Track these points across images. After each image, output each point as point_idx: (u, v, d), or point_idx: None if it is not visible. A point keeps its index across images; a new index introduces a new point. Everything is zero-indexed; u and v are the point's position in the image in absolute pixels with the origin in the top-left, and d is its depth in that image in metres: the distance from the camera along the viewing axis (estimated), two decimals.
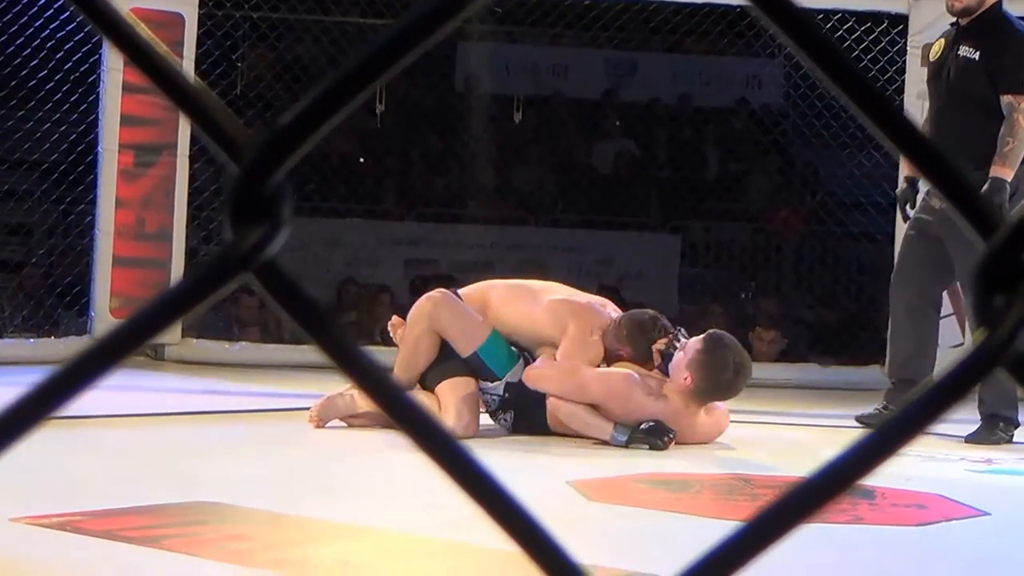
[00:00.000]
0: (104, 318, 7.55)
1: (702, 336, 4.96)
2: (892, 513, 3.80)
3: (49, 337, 7.74)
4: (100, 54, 7.50)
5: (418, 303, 5.18)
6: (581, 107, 12.76)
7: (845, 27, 8.29)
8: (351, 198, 11.56)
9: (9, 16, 7.81)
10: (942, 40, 5.67)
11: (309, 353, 0.61)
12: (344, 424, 5.01)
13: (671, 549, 3.11)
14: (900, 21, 7.98)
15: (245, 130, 0.57)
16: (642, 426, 4.84)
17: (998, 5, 5.57)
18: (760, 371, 5.78)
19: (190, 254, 7.96)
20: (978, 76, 5.46)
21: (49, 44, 7.80)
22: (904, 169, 5.85)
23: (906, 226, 5.88)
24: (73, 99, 8.00)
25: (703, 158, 12.62)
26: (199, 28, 8.03)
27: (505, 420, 5.12)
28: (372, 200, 11.96)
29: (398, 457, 3.73)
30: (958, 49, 5.52)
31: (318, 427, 4.95)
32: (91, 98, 7.83)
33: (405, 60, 0.56)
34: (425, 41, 0.56)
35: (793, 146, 11.90)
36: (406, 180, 12.28)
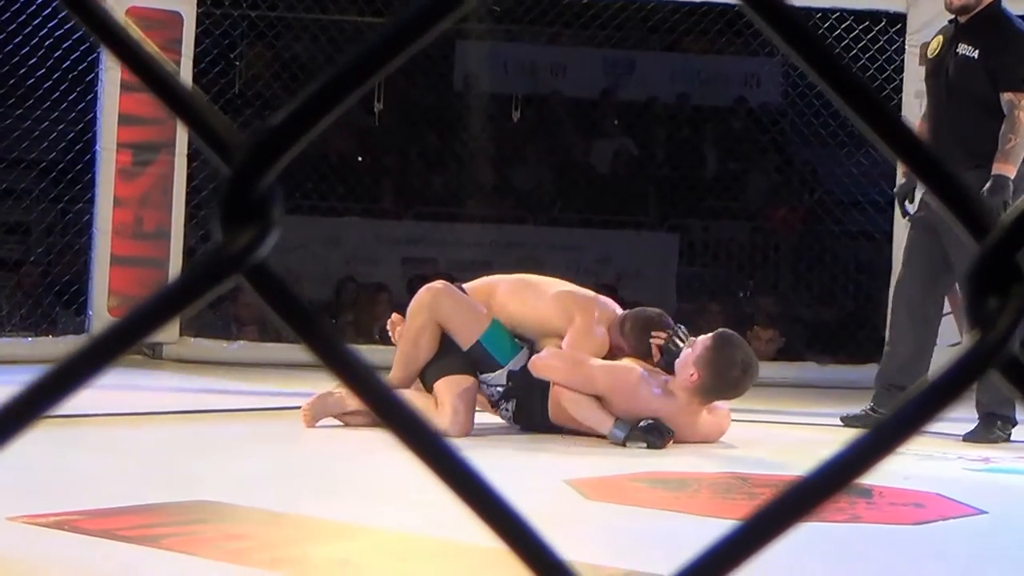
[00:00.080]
0: (102, 317, 7.55)
1: (712, 334, 4.98)
2: (890, 512, 3.80)
3: (47, 336, 7.74)
4: (98, 53, 7.49)
5: (418, 294, 5.19)
6: (579, 106, 12.76)
7: (843, 26, 8.30)
8: (349, 197, 11.56)
9: (7, 15, 7.81)
10: (940, 37, 5.66)
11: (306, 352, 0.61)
12: (340, 423, 5.01)
13: (669, 548, 3.11)
14: (898, 20, 7.98)
15: (236, 131, 0.57)
16: (641, 424, 4.85)
17: (997, 3, 5.56)
18: None
19: (188, 253, 7.96)
20: (977, 74, 5.46)
21: (47, 43, 7.80)
22: (902, 164, 5.83)
23: (908, 226, 5.88)
24: (71, 98, 8.00)
25: (701, 157, 12.62)
26: (197, 27, 8.03)
27: (507, 410, 5.13)
28: (370, 199, 11.96)
29: (397, 456, 3.73)
30: (957, 47, 5.51)
31: (309, 426, 4.95)
32: (89, 97, 7.83)
33: (396, 61, 0.56)
34: (416, 42, 0.56)
35: (791, 145, 11.90)
36: (404, 179, 12.28)
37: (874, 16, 8.30)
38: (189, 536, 3.06)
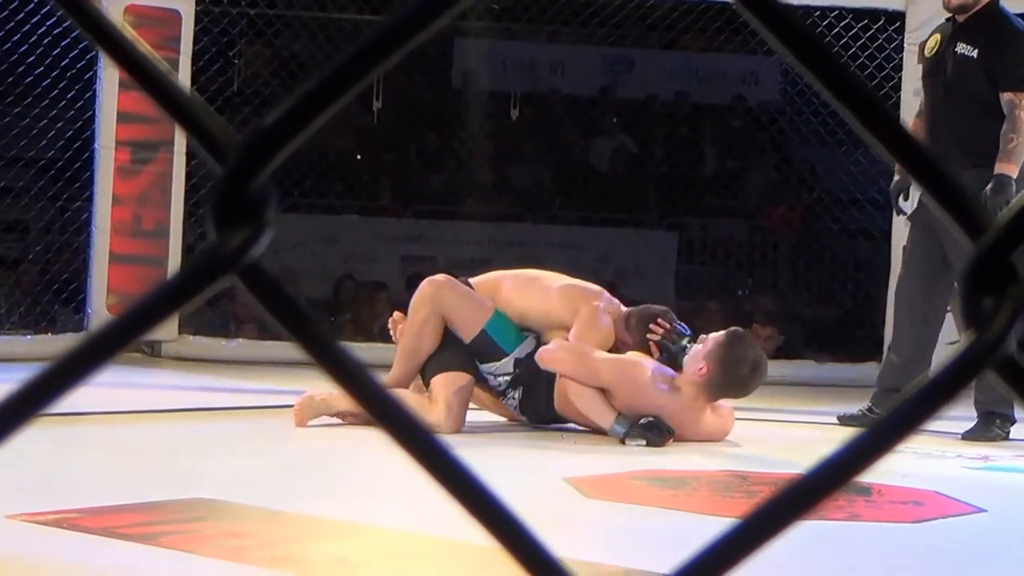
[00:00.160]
0: (101, 315, 7.55)
1: (724, 331, 5.00)
2: (889, 510, 3.80)
3: (46, 334, 7.74)
4: (97, 51, 7.48)
5: (420, 288, 5.20)
6: (578, 104, 12.75)
7: (842, 24, 8.31)
8: (348, 195, 11.56)
9: (6, 13, 7.81)
10: (937, 36, 5.65)
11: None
12: (338, 420, 5.01)
13: (668, 546, 3.11)
14: (897, 18, 7.99)
15: (230, 131, 0.57)
16: (641, 421, 4.85)
17: (995, 2, 5.56)
18: None
19: (187, 251, 7.96)
20: (976, 74, 5.45)
21: (46, 41, 7.80)
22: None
23: (907, 225, 5.88)
24: (70, 96, 8.00)
25: (700, 155, 12.62)
26: (196, 24, 8.03)
27: (513, 398, 5.14)
28: (369, 197, 11.96)
29: (395, 454, 3.73)
30: (955, 46, 5.50)
31: (300, 425, 4.94)
32: (88, 95, 7.83)
33: (390, 60, 0.56)
34: (410, 42, 0.56)
35: (790, 143, 11.91)
36: (403, 177, 12.27)
37: (873, 14, 8.31)
38: (188, 534, 3.06)
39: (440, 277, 5.22)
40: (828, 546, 3.22)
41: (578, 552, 2.76)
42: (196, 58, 8.11)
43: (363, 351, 7.09)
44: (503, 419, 5.36)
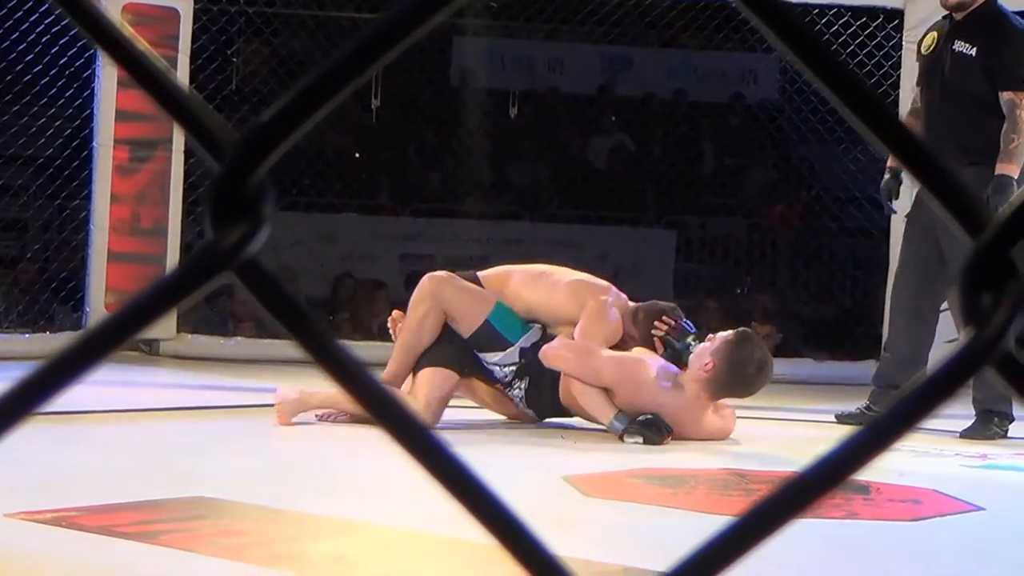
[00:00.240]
0: (99, 313, 7.55)
1: (733, 330, 5.02)
2: (887, 508, 3.80)
3: (44, 332, 7.74)
4: (95, 49, 7.48)
5: (421, 283, 5.20)
6: (576, 102, 12.75)
7: (840, 22, 8.31)
8: (346, 193, 11.56)
9: (5, 11, 7.80)
10: (934, 34, 5.64)
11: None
12: (329, 421, 5.02)
13: (666, 544, 3.11)
14: (895, 16, 7.99)
15: (227, 128, 0.57)
16: (639, 418, 4.86)
17: (993, 0, 5.55)
18: None
19: (185, 249, 7.96)
20: (974, 72, 5.44)
21: (44, 39, 7.79)
22: (891, 160, 5.82)
23: (904, 224, 5.87)
24: (68, 94, 8.00)
25: (699, 153, 12.62)
26: (194, 23, 8.03)
27: (520, 389, 5.15)
28: (367, 195, 11.95)
29: (394, 452, 3.73)
30: (953, 44, 5.49)
31: (284, 424, 4.95)
32: (86, 93, 7.83)
33: (386, 58, 0.56)
34: (406, 39, 0.56)
35: (789, 141, 11.91)
36: (401, 175, 12.27)
37: (871, 12, 8.31)
38: (187, 532, 3.06)
39: (440, 273, 5.23)
40: (826, 544, 3.22)
41: (577, 550, 2.76)
42: (194, 56, 8.11)
43: (362, 349, 7.09)
44: (503, 417, 5.36)
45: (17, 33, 7.80)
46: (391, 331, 5.32)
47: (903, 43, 7.68)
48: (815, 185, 11.28)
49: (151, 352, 7.75)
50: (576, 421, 5.22)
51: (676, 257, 11.94)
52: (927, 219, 5.47)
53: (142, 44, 0.56)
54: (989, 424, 5.44)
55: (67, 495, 3.38)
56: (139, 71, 0.57)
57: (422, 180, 12.26)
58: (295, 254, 10.37)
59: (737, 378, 4.91)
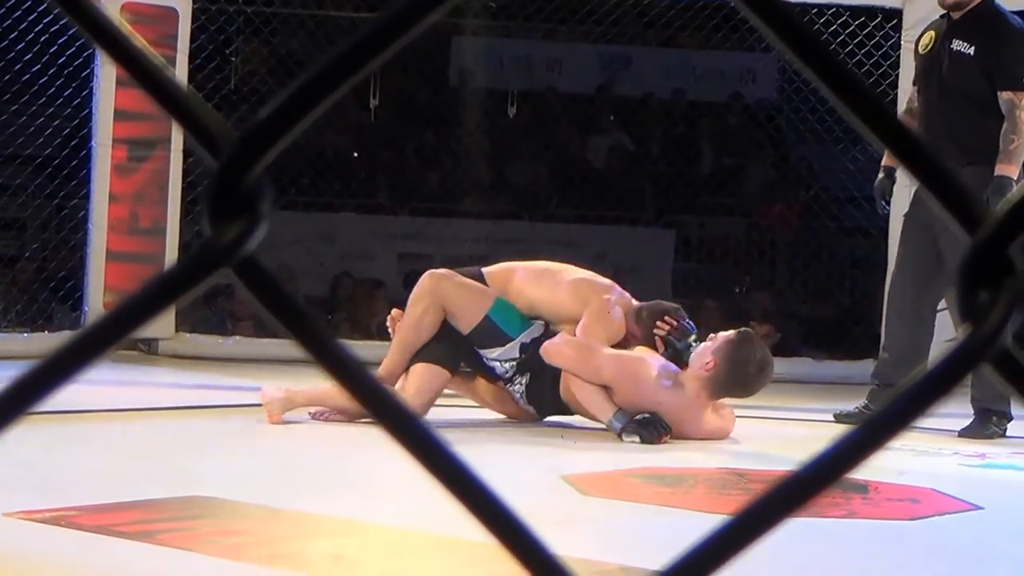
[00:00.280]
0: (98, 313, 7.55)
1: (735, 330, 5.03)
2: (885, 507, 3.80)
3: (43, 332, 7.74)
4: (94, 49, 7.48)
5: (420, 280, 5.21)
6: (575, 101, 12.75)
7: (839, 21, 8.31)
8: (345, 192, 11.55)
9: (3, 10, 7.80)
10: (932, 33, 5.63)
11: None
12: (322, 420, 5.02)
13: (665, 543, 3.11)
14: (894, 15, 7.99)
15: (225, 126, 0.57)
16: (637, 417, 4.87)
17: None
18: None
19: (184, 249, 7.96)
20: (972, 71, 5.43)
21: (43, 38, 7.79)
22: (885, 159, 5.80)
23: (902, 222, 5.87)
24: (67, 93, 8.00)
25: (697, 153, 12.62)
26: (193, 22, 8.03)
27: (520, 384, 5.15)
28: (366, 194, 11.95)
29: (393, 451, 3.73)
30: (951, 43, 5.49)
31: (275, 423, 4.94)
32: (84, 92, 7.83)
33: (383, 56, 0.56)
34: (403, 37, 0.56)
35: (787, 141, 11.91)
36: (400, 174, 12.27)
37: (870, 12, 8.31)
38: (186, 532, 3.06)
39: (441, 270, 5.23)
40: (825, 543, 3.23)
41: (575, 549, 2.76)
42: (193, 56, 8.11)
43: (360, 349, 7.09)
44: (502, 416, 5.36)
45: (16, 32, 7.80)
46: (390, 330, 5.32)
47: (902, 43, 7.68)
48: (814, 185, 11.28)
49: (150, 351, 7.75)
50: (576, 420, 5.22)
51: (675, 257, 11.94)
52: (925, 218, 5.47)
53: (139, 41, 0.56)
54: (988, 423, 5.44)
55: (65, 494, 3.38)
56: (137, 69, 0.57)
57: (421, 179, 12.25)
58: (293, 253, 10.37)
59: (738, 378, 4.91)
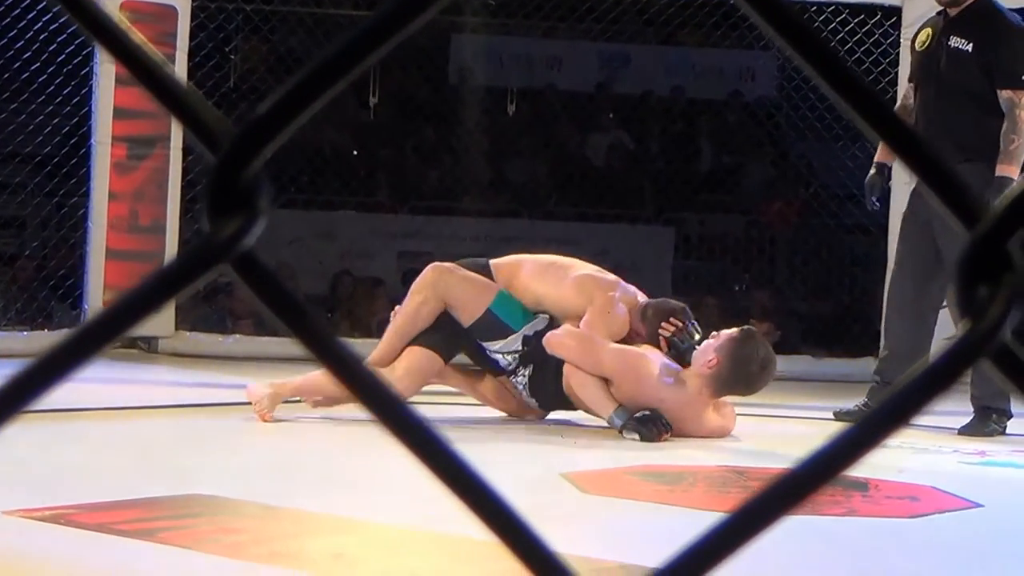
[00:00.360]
0: (97, 311, 7.55)
1: (737, 328, 5.02)
2: (885, 505, 3.80)
3: (42, 330, 7.73)
4: (93, 47, 7.49)
5: (423, 272, 5.20)
6: (575, 99, 12.75)
7: (838, 19, 8.31)
8: (344, 190, 11.55)
9: (1, 8, 7.80)
10: (928, 30, 5.63)
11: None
12: (322, 413, 5.02)
13: (664, 541, 3.11)
14: (893, 13, 7.99)
15: (224, 121, 0.57)
16: (637, 414, 4.86)
17: None
18: None
19: (184, 246, 7.95)
20: (970, 67, 5.43)
21: (42, 36, 7.79)
22: (878, 156, 5.79)
23: (902, 220, 5.87)
24: (66, 92, 7.99)
25: (697, 150, 12.62)
26: (192, 20, 8.03)
27: (523, 376, 5.14)
28: (365, 192, 11.95)
29: (392, 450, 3.73)
30: (948, 39, 5.48)
31: (268, 421, 4.94)
32: (84, 91, 7.82)
33: (381, 51, 0.56)
34: (400, 33, 0.56)
35: (787, 138, 11.90)
36: (399, 172, 12.27)
37: (869, 9, 8.31)
38: (185, 530, 3.06)
39: (444, 263, 5.22)
40: (824, 541, 3.23)
41: (575, 547, 2.76)
42: (192, 54, 8.11)
43: (361, 347, 7.09)
44: (503, 414, 5.36)
45: (15, 30, 7.79)
46: None
47: (901, 40, 7.68)
48: (813, 182, 11.28)
49: (149, 350, 7.75)
50: (576, 417, 5.22)
51: (674, 254, 11.94)
52: (923, 215, 5.47)
53: (138, 37, 0.56)
54: (987, 421, 5.44)
55: (65, 492, 3.38)
56: (136, 65, 0.57)
57: (420, 177, 12.25)
58: (293, 251, 10.37)
59: (740, 375, 4.91)
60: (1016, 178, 5.28)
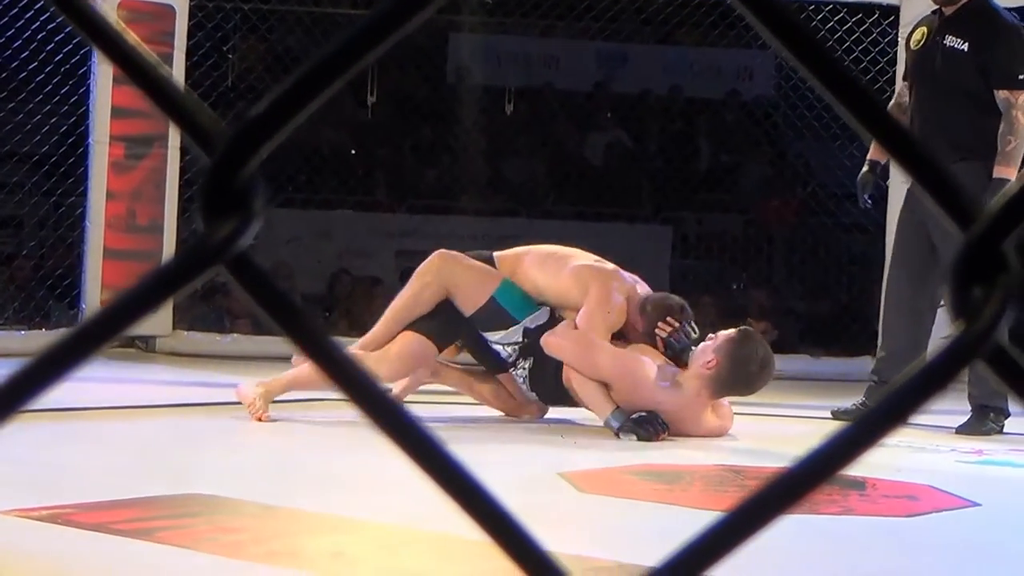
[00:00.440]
0: (95, 310, 7.56)
1: (736, 329, 5.01)
2: (883, 504, 3.80)
3: (40, 329, 7.73)
4: (91, 46, 7.48)
5: (429, 258, 5.19)
6: (572, 98, 12.75)
7: (836, 18, 8.31)
8: (342, 190, 11.56)
9: (0, 8, 7.80)
10: (924, 28, 5.62)
11: None
12: (322, 415, 5.02)
13: (662, 541, 3.11)
14: (891, 12, 8.00)
15: (219, 122, 0.57)
16: (634, 415, 4.86)
17: None
18: None
19: (181, 246, 7.95)
20: (966, 67, 5.42)
21: (40, 36, 7.79)
22: (871, 154, 5.79)
23: (898, 219, 5.87)
24: (64, 91, 7.99)
25: (695, 149, 12.62)
26: (190, 19, 8.03)
27: (524, 368, 5.14)
28: (363, 192, 11.95)
29: (390, 449, 3.72)
30: (944, 38, 5.47)
31: (263, 420, 4.94)
32: (82, 90, 7.82)
33: (376, 51, 0.56)
34: (396, 33, 0.56)
35: (784, 137, 11.91)
36: (397, 172, 12.27)
37: (867, 8, 8.31)
38: (183, 529, 3.06)
39: (448, 251, 5.21)
40: (822, 540, 3.23)
41: (571, 547, 2.76)
42: (190, 53, 8.11)
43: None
44: (500, 413, 5.36)
45: (12, 30, 7.79)
46: None
47: (898, 39, 7.68)
48: (811, 181, 11.28)
49: (147, 349, 7.74)
50: (575, 416, 5.22)
51: (672, 253, 11.94)
52: (919, 214, 5.46)
53: (133, 37, 0.56)
54: (985, 420, 5.45)
55: (62, 492, 3.38)
56: (131, 66, 0.57)
57: (418, 176, 12.25)
58: (291, 251, 10.37)
59: (739, 376, 4.90)
60: (1013, 180, 5.27)
